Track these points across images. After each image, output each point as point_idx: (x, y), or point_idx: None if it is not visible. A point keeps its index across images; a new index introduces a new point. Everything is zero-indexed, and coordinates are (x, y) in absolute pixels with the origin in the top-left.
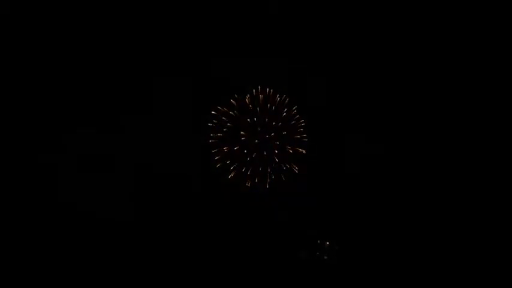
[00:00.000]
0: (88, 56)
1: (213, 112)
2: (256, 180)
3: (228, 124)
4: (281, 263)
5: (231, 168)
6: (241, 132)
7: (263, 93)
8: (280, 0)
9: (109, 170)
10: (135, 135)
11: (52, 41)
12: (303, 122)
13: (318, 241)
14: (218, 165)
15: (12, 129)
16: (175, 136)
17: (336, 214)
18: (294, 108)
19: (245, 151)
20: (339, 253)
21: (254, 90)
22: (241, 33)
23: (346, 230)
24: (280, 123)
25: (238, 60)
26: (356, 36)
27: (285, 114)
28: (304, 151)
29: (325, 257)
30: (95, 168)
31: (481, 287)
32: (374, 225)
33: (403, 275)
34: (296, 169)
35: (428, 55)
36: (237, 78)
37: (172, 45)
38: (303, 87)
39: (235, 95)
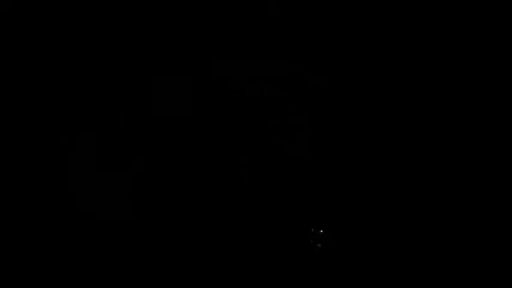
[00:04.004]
0: (87, 56)
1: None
2: None
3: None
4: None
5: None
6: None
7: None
8: (281, 0)
9: (109, 170)
10: (135, 135)
11: (52, 41)
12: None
13: (312, 229)
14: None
15: (12, 129)
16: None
17: (331, 202)
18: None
19: None
20: (334, 241)
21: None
22: (241, 33)
23: (342, 218)
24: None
25: (238, 60)
26: (357, 36)
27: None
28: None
29: (319, 245)
30: (95, 168)
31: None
32: (372, 217)
33: (403, 268)
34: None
35: (430, 55)
36: (237, 78)
37: (172, 45)
38: (303, 87)
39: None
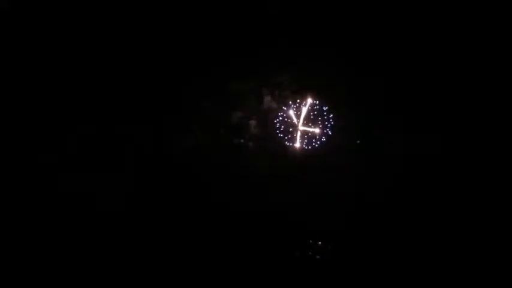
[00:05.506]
0: (88, 55)
1: None
2: None
3: None
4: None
5: None
6: None
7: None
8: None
9: (110, 170)
10: (137, 135)
11: (53, 40)
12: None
13: (310, 241)
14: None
15: (12, 129)
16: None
17: (329, 212)
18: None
19: None
20: (332, 253)
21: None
22: (242, 33)
23: (341, 229)
24: None
25: (239, 60)
26: (359, 35)
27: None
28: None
29: (318, 257)
30: (96, 168)
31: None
32: (370, 224)
33: (401, 277)
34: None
35: (434, 55)
36: (240, 78)
37: (173, 44)
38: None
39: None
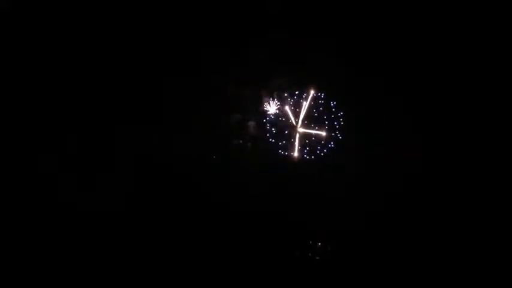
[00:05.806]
0: (88, 56)
1: None
2: None
3: None
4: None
5: None
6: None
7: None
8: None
9: (110, 170)
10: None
11: (53, 40)
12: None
13: (310, 242)
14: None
15: (12, 129)
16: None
17: (329, 214)
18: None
19: None
20: (332, 254)
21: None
22: (241, 33)
23: (341, 229)
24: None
25: (240, 59)
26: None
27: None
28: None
29: (317, 258)
30: (96, 168)
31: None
32: (370, 225)
33: (400, 277)
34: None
35: (435, 55)
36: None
37: (173, 44)
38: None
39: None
